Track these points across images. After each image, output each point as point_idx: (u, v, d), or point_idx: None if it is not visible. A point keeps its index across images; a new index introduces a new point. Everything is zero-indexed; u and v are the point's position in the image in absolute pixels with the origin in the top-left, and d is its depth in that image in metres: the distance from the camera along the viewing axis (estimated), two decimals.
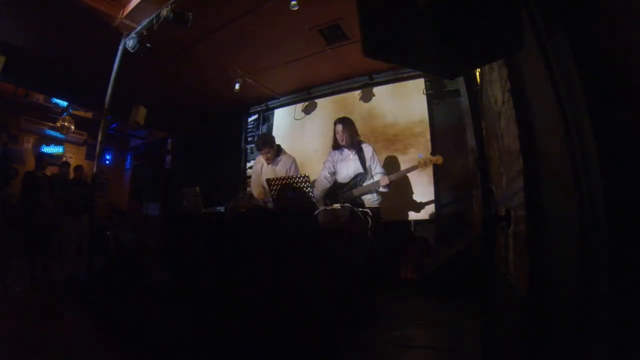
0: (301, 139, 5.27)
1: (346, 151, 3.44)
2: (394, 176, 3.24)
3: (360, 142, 3.44)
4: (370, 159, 3.38)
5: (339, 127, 3.39)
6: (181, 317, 2.28)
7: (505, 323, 1.64)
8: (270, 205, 3.08)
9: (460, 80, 3.44)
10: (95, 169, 3.38)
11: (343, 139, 3.37)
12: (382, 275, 3.25)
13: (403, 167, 3.92)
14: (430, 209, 4.12)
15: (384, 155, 4.29)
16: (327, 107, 5.15)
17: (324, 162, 3.64)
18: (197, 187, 3.32)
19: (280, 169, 3.61)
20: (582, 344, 0.90)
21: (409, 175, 3.70)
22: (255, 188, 3.86)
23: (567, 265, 1.00)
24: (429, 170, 4.01)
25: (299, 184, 2.62)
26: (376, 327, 2.16)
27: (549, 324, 1.22)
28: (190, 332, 2.03)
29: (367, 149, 3.41)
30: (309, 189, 2.59)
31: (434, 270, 3.08)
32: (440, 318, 2.37)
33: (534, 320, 1.28)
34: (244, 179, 5.87)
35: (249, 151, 5.93)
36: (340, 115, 3.62)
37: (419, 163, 3.13)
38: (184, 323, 2.18)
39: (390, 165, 4.08)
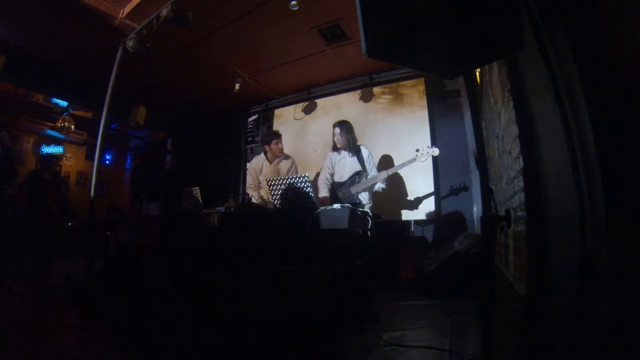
0: (301, 139, 5.27)
1: (344, 152, 3.57)
2: (392, 170, 3.36)
3: (358, 145, 3.56)
4: (367, 161, 3.53)
5: (337, 130, 3.55)
6: (181, 317, 2.28)
7: (506, 323, 1.64)
8: (270, 205, 3.09)
9: (460, 80, 3.45)
10: (95, 169, 3.38)
11: (340, 142, 3.49)
12: (382, 275, 3.26)
13: None
14: (430, 208, 4.12)
15: (384, 156, 4.29)
16: (327, 107, 5.16)
17: (324, 164, 3.71)
18: (197, 187, 3.32)
19: (282, 168, 3.66)
20: (581, 343, 0.90)
21: (405, 176, 3.78)
22: (253, 189, 3.88)
23: (567, 265, 1.00)
24: (429, 170, 4.02)
25: (299, 184, 2.62)
26: (376, 327, 2.15)
27: (548, 324, 1.22)
28: (190, 332, 2.03)
29: (364, 151, 3.56)
30: (309, 189, 2.60)
31: (434, 270, 3.08)
32: (440, 318, 2.37)
33: (534, 320, 1.28)
34: (244, 179, 5.88)
35: (249, 151, 5.93)
36: (340, 116, 3.68)
37: (417, 156, 3.20)
38: (184, 323, 2.18)
39: (390, 165, 4.08)
